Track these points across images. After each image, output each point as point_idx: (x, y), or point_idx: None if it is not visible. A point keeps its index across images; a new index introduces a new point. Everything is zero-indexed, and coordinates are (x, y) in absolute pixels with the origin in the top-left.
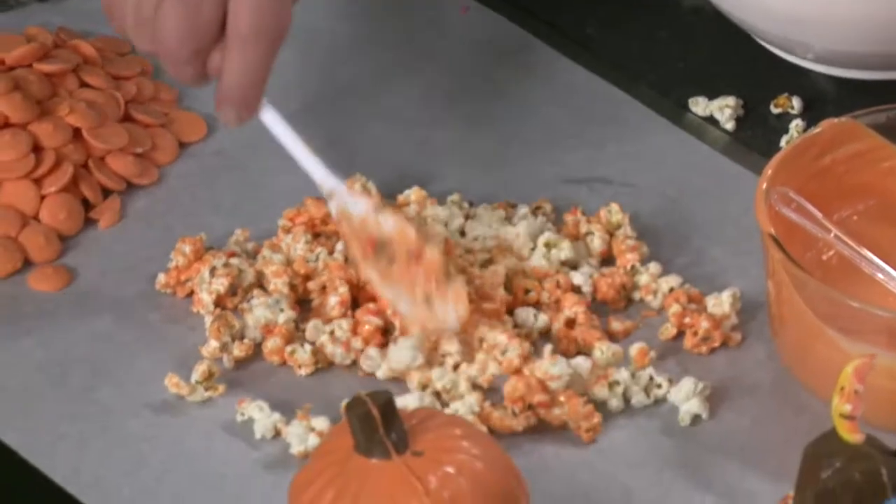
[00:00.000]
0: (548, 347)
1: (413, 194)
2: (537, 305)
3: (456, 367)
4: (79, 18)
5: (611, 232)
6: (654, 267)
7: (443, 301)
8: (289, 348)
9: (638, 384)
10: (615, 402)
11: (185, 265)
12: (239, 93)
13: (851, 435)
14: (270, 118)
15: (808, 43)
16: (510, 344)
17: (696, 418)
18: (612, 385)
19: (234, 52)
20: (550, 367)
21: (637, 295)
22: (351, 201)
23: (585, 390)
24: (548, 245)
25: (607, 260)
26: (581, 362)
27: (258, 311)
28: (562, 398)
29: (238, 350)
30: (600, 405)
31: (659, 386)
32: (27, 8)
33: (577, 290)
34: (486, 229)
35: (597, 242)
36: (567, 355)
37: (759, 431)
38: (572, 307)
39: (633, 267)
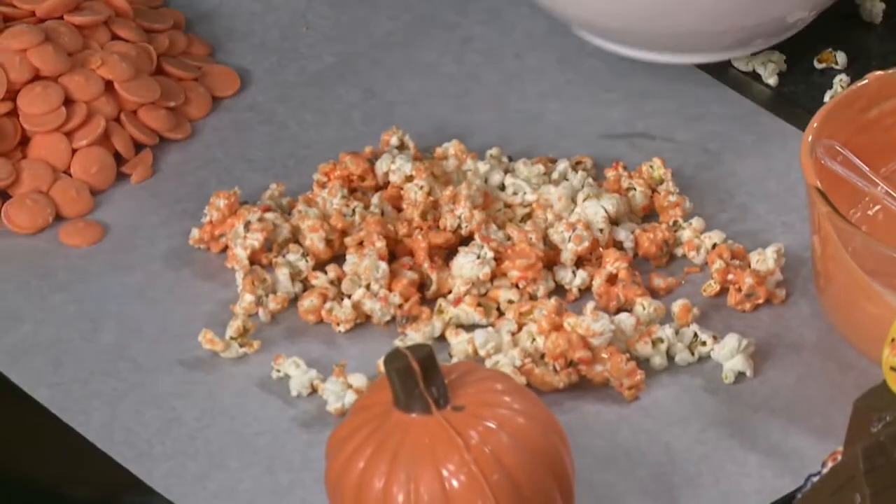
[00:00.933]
0: (590, 304)
1: (452, 148)
2: (579, 262)
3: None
4: None
5: (653, 187)
6: (697, 222)
7: None
8: (327, 305)
9: (682, 341)
10: (658, 360)
11: (219, 220)
12: None
13: None
14: None
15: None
16: (541, 304)
17: (740, 376)
18: (655, 342)
19: None
20: (592, 322)
21: (679, 251)
22: None
23: (628, 347)
24: (586, 200)
25: (649, 216)
26: (624, 318)
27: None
28: (604, 355)
29: (273, 303)
30: (643, 362)
31: (703, 343)
32: None
33: (619, 245)
34: (525, 185)
35: (639, 198)
36: (609, 312)
37: (805, 389)
38: (614, 263)
39: (675, 222)
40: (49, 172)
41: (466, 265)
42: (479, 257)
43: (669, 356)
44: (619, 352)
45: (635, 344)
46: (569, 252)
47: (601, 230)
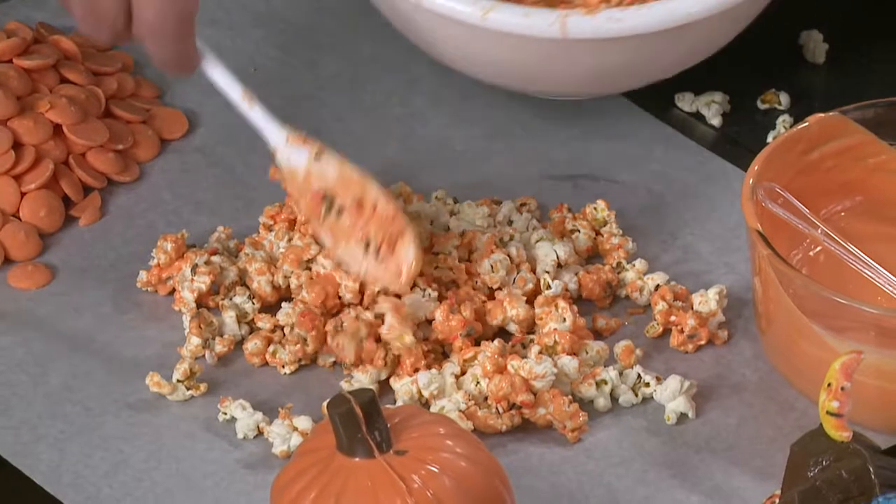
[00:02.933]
0: (535, 348)
1: (398, 189)
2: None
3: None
4: (59, 14)
5: (596, 229)
6: (640, 264)
7: (392, 254)
8: (271, 348)
9: (626, 383)
10: (602, 402)
11: (166, 263)
12: (171, 66)
13: (839, 432)
14: (215, 71)
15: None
16: (487, 347)
17: (682, 417)
18: (599, 384)
19: (148, 43)
20: (535, 365)
21: (623, 292)
22: (293, 153)
23: (572, 389)
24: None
25: (593, 257)
26: (567, 361)
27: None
28: (546, 397)
29: (220, 346)
30: (587, 404)
31: (647, 385)
32: (7, 3)
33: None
34: (470, 228)
35: (583, 239)
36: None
37: (746, 430)
38: (562, 318)
39: (619, 264)
40: None
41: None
42: (424, 293)
43: (613, 398)
44: (562, 394)
45: (579, 386)
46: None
47: (547, 272)
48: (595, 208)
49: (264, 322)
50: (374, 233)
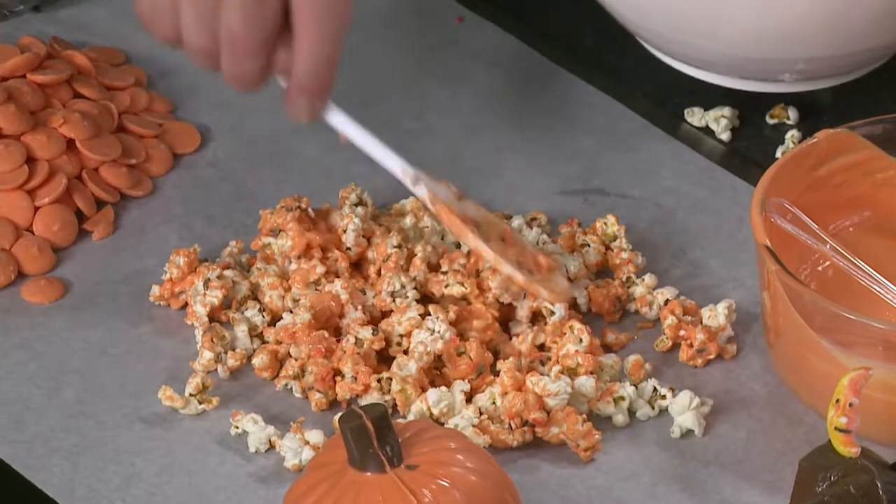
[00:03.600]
0: (555, 368)
1: (409, 204)
2: (538, 314)
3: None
4: (73, 29)
5: (606, 244)
6: (649, 279)
7: (546, 275)
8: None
9: (643, 396)
10: (621, 418)
11: (179, 277)
12: (313, 81)
13: (847, 448)
14: (338, 118)
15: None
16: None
17: (688, 432)
18: (617, 400)
19: (304, 38)
20: (550, 383)
21: (633, 307)
22: (435, 187)
23: (590, 408)
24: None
25: (602, 272)
26: (584, 381)
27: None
28: (560, 416)
29: (232, 360)
30: (604, 420)
31: (663, 397)
32: (21, 18)
33: (572, 301)
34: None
35: (593, 254)
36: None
37: (755, 444)
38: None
39: (628, 279)
40: (11, 230)
41: (419, 341)
42: (433, 332)
43: (630, 412)
44: (576, 413)
45: (597, 403)
46: (524, 309)
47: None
48: (605, 223)
49: (270, 336)
50: (524, 260)
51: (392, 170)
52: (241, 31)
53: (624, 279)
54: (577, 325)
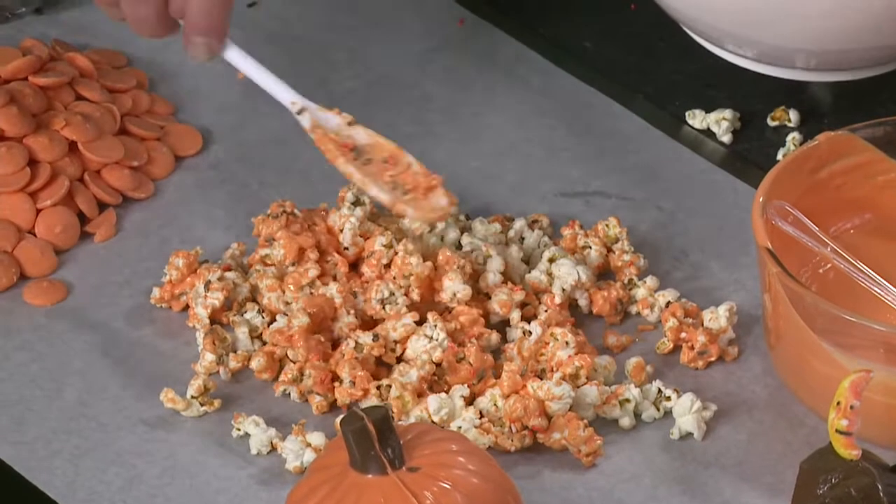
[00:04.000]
0: (556, 375)
1: None
2: (533, 318)
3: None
4: (74, 31)
5: (608, 246)
6: (651, 281)
7: (423, 197)
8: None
9: (648, 398)
10: (627, 421)
11: (178, 279)
12: (207, 19)
13: (848, 450)
14: (234, 54)
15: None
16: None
17: (687, 434)
18: (622, 403)
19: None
20: (554, 387)
21: (634, 309)
22: (322, 116)
23: (596, 412)
24: (552, 260)
25: (604, 274)
26: (588, 391)
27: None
28: (562, 422)
29: (234, 362)
30: (609, 423)
31: (668, 398)
32: (23, 20)
33: (573, 303)
34: (481, 244)
35: (594, 256)
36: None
37: (755, 446)
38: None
39: (630, 280)
40: (13, 232)
41: (419, 349)
42: (431, 339)
43: (636, 414)
44: (577, 418)
45: (603, 407)
46: (515, 319)
47: (563, 289)
48: (607, 225)
49: (269, 336)
50: (402, 180)
51: (283, 101)
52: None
53: (625, 281)
54: (557, 330)
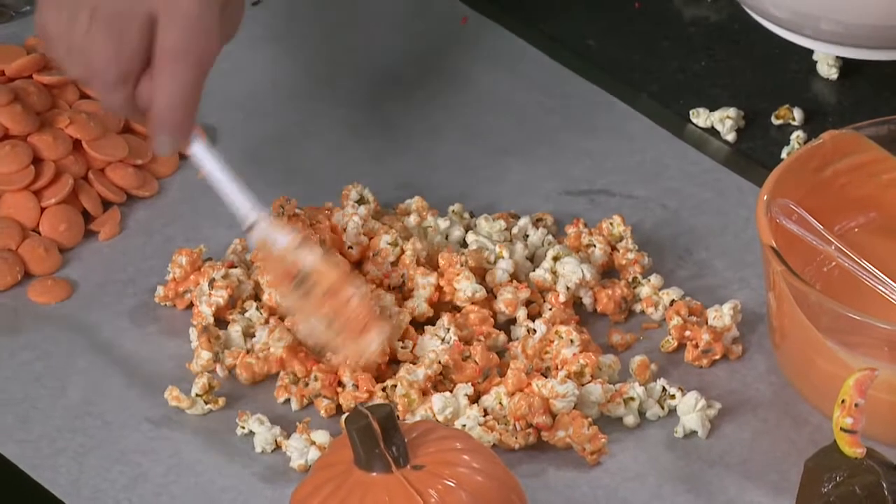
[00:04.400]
0: (561, 373)
1: (414, 204)
2: (538, 316)
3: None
4: None
5: (612, 244)
6: (655, 279)
7: (356, 337)
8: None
9: (652, 396)
10: (632, 419)
11: (182, 277)
12: (171, 116)
13: (852, 448)
14: (200, 150)
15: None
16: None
17: (691, 433)
18: (627, 401)
19: (164, 73)
20: (558, 385)
21: (638, 307)
22: (272, 236)
23: (600, 410)
24: (556, 258)
25: (608, 272)
26: (592, 389)
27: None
28: (566, 419)
29: (229, 359)
30: (614, 421)
31: (672, 397)
32: (27, 19)
33: (578, 301)
34: (486, 241)
35: (598, 254)
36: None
37: (760, 445)
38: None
39: (634, 279)
40: (18, 231)
41: (430, 348)
42: (443, 341)
43: (640, 412)
44: (582, 416)
45: (607, 405)
46: (521, 317)
47: (568, 287)
48: (611, 223)
49: (263, 329)
50: (336, 317)
51: (238, 212)
52: (99, 68)
53: (630, 279)
54: (561, 328)
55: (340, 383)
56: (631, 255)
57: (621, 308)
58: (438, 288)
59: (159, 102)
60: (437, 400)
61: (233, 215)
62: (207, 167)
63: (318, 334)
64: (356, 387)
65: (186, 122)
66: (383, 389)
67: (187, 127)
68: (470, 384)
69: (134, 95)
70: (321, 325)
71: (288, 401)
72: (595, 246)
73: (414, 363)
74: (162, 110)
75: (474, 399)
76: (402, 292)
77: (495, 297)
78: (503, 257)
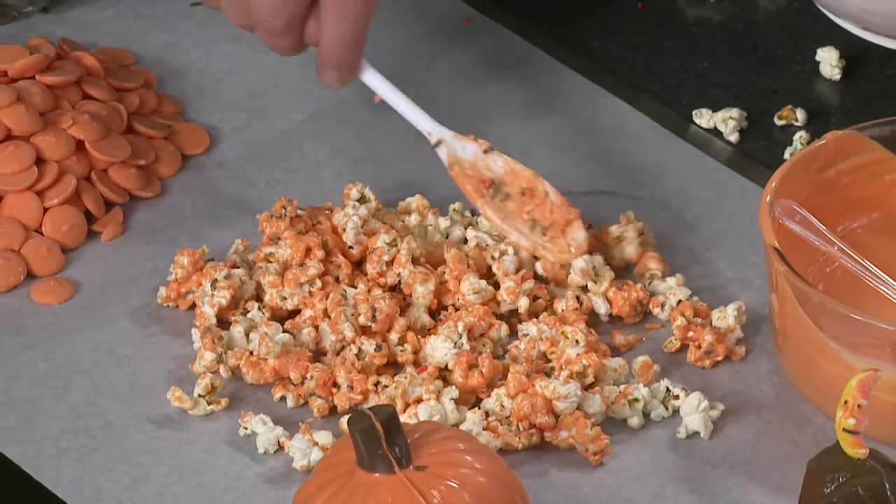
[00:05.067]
0: (563, 373)
1: (414, 203)
2: (547, 310)
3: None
4: (82, 30)
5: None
6: (671, 280)
7: (561, 233)
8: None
9: (656, 397)
10: (636, 420)
11: (184, 277)
12: (339, 55)
13: (855, 449)
14: (371, 78)
15: None
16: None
17: (694, 433)
18: (631, 402)
19: (331, 13)
20: (560, 386)
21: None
22: (459, 146)
23: (605, 410)
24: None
25: (624, 271)
26: (592, 400)
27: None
28: (569, 420)
29: (232, 359)
30: (615, 422)
31: (676, 397)
32: (30, 19)
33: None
34: (487, 238)
35: (630, 249)
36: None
37: (763, 445)
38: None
39: (652, 275)
40: (20, 231)
41: (440, 350)
42: (455, 345)
43: (644, 413)
44: (585, 417)
45: (612, 406)
46: (523, 308)
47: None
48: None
49: (270, 330)
50: (540, 216)
51: (420, 128)
52: (267, 16)
53: (647, 275)
54: (567, 328)
55: (335, 384)
56: (655, 253)
57: (636, 311)
58: (441, 285)
59: (328, 43)
60: (423, 409)
61: (237, 216)
62: (383, 92)
63: (526, 241)
64: (350, 388)
65: (354, 58)
66: (376, 385)
67: (355, 63)
68: (454, 387)
69: (301, 36)
70: (526, 229)
71: (284, 398)
72: (627, 239)
73: (416, 365)
74: (331, 48)
75: (474, 403)
76: (399, 291)
77: (497, 290)
78: (507, 253)
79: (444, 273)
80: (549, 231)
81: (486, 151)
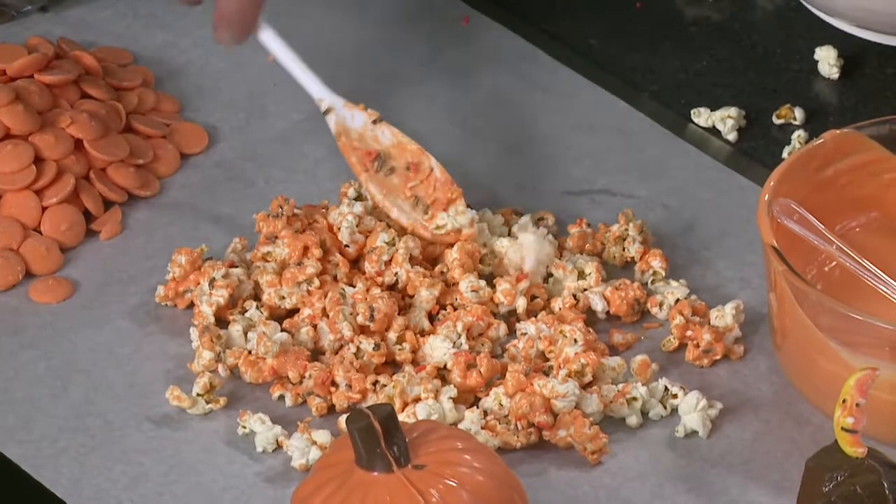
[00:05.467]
0: (562, 372)
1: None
2: (542, 310)
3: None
4: (80, 29)
5: (625, 240)
6: (674, 281)
7: (444, 210)
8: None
9: (654, 396)
10: (635, 419)
11: (181, 276)
12: (237, 13)
13: (853, 448)
14: (268, 37)
15: None
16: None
17: (692, 433)
18: (630, 401)
19: None
20: (558, 385)
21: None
22: (348, 115)
23: (604, 409)
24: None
25: (623, 270)
26: (590, 400)
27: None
28: (567, 419)
29: (231, 358)
30: (613, 421)
31: (674, 396)
32: (29, 18)
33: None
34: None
35: (634, 248)
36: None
37: (761, 445)
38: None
39: (654, 273)
40: (19, 230)
41: (438, 349)
42: (454, 345)
43: (643, 412)
44: (583, 416)
45: (610, 405)
46: (521, 308)
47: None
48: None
49: (266, 328)
50: (424, 192)
51: (311, 94)
52: None
53: (650, 273)
54: (565, 327)
55: (334, 383)
56: (657, 251)
57: (634, 310)
58: (442, 284)
59: (223, 2)
60: (422, 409)
61: (239, 206)
62: (278, 54)
63: (406, 218)
64: (349, 387)
65: (251, 18)
66: (374, 384)
67: (251, 23)
68: (453, 386)
69: None
70: (408, 206)
71: (282, 397)
72: (630, 237)
73: (414, 364)
74: (229, 7)
75: (473, 402)
76: (397, 290)
77: (494, 290)
78: (505, 248)
79: (443, 272)
80: (432, 208)
81: (375, 122)
